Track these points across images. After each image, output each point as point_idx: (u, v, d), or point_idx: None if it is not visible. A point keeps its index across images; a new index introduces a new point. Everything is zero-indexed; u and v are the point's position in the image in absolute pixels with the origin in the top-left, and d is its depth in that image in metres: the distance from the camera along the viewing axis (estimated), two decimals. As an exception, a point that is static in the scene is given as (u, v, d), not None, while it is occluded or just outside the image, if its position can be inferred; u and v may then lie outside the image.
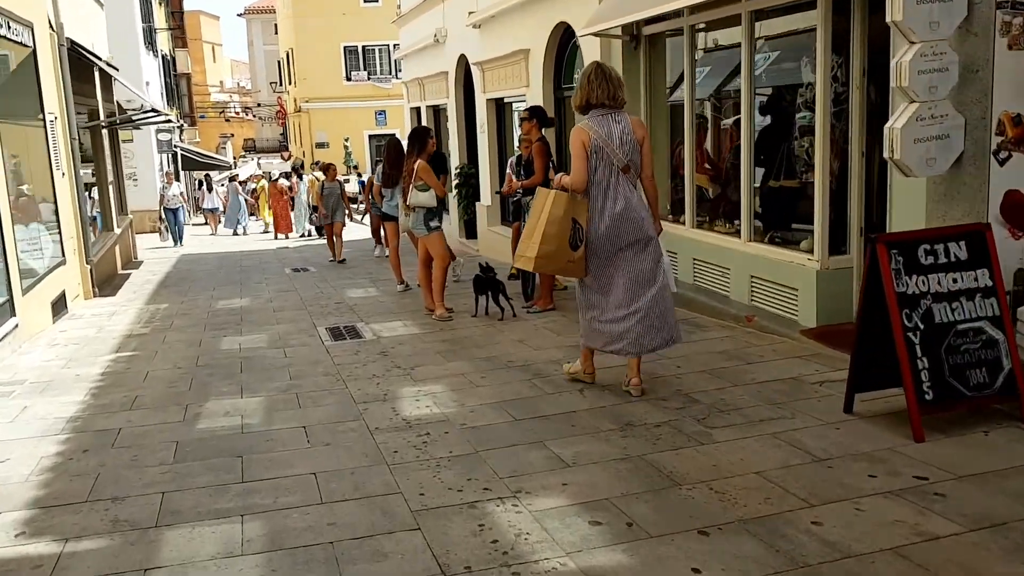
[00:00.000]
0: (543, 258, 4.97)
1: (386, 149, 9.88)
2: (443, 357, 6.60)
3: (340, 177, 23.14)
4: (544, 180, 7.91)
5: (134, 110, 17.80)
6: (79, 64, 12.45)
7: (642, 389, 5.13)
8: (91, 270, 11.25)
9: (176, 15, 35.01)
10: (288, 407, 5.47)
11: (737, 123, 7.58)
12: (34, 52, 9.76)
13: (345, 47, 41.38)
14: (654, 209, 5.13)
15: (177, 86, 36.64)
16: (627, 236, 4.88)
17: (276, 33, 50.90)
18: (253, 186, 26.15)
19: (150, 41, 27.39)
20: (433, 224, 8.20)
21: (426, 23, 16.16)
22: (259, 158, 49.18)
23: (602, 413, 4.89)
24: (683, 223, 8.07)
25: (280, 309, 9.52)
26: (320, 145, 41.51)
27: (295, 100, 43.91)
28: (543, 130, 8.07)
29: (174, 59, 35.93)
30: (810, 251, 6.35)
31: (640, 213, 4.92)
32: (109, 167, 14.79)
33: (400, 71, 40.70)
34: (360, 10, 40.46)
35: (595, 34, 8.34)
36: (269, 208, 25.97)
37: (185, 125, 38.65)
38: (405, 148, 9.07)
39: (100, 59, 14.11)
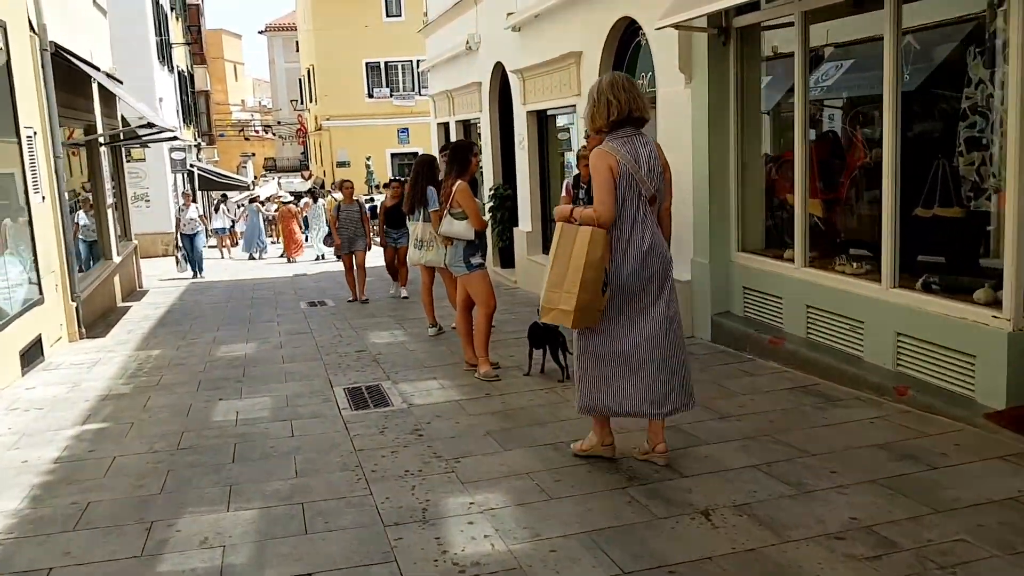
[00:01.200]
0: (583, 311, 4.09)
1: (415, 167, 8.32)
2: (496, 441, 5.01)
3: (361, 196, 21.76)
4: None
5: (143, 127, 16.35)
6: (72, 74, 11.07)
7: (667, 458, 4.36)
8: (77, 308, 9.79)
9: (193, 29, 33.88)
10: (290, 530, 3.90)
11: (863, 131, 6.01)
12: (8, 56, 8.34)
13: (367, 63, 40.25)
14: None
15: (195, 104, 35.56)
16: (653, 274, 4.20)
17: (297, 51, 49.97)
18: (274, 207, 24.58)
19: (165, 56, 26.24)
20: (475, 261, 6.65)
21: (457, 30, 14.71)
22: (279, 177, 48.09)
23: (755, 562, 3.28)
24: (789, 260, 6.46)
25: (291, 359, 7.98)
26: (341, 164, 40.27)
27: (316, 118, 42.80)
28: (614, 145, 6.51)
29: (192, 76, 34.87)
30: (993, 304, 4.72)
31: (665, 248, 4.30)
32: (108, 188, 13.38)
33: (425, 86, 39.57)
34: (382, 25, 39.34)
35: (675, 26, 6.80)
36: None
37: (203, 144, 37.61)
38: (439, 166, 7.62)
39: (99, 69, 12.74)
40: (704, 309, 7.25)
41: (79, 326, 9.80)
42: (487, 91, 13.55)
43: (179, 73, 29.61)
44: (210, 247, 27.16)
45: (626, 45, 8.79)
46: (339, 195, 13.36)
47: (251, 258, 23.23)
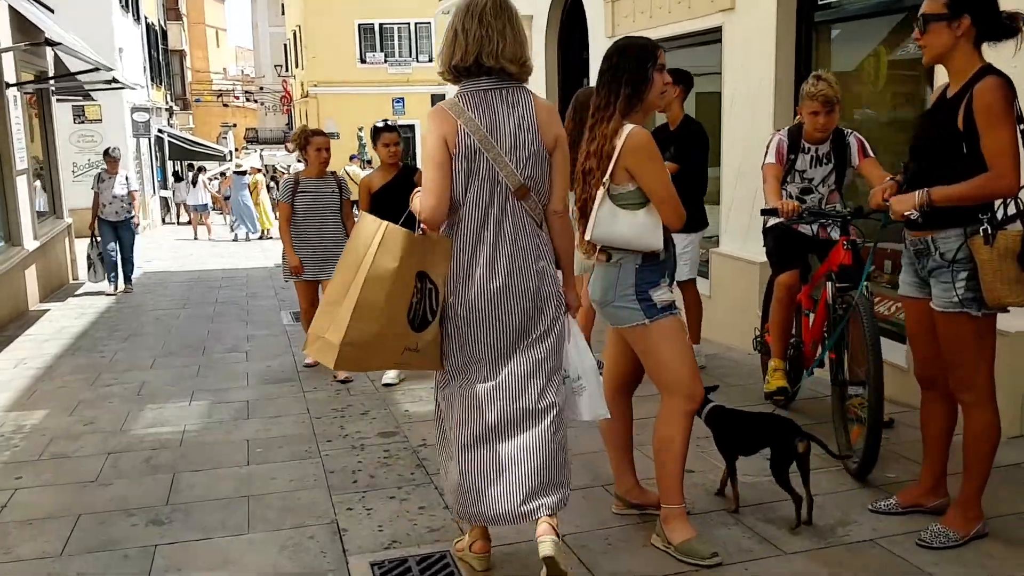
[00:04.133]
0: (354, 345, 2.58)
1: (572, 110, 4.63)
2: None
3: (349, 168, 17.12)
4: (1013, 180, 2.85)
5: (85, 71, 12.33)
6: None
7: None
8: (-73, 330, 6.18)
9: (164, -26, 29.91)
10: None
11: None
12: None
13: (360, 25, 36.40)
14: (566, 269, 2.92)
15: (168, 63, 31.68)
16: (518, 313, 2.73)
17: (283, 14, 46.00)
18: (248, 179, 20.70)
19: (129, 3, 22.40)
20: (660, 296, 3.06)
21: (497, -51, 11.08)
22: (262, 149, 44.10)
23: None
24: None
25: (263, 453, 4.41)
26: (329, 135, 36.46)
27: (302, 84, 38.92)
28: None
29: (164, 32, 30.95)
30: None
31: (542, 273, 2.76)
32: (17, 148, 9.64)
33: (423, 52, 35.83)
34: (378, -18, 35.52)
35: None
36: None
37: (176, 108, 33.75)
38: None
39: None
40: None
41: (-70, 359, 6.20)
42: (543, 28, 9.95)
43: (148, 25, 25.74)
44: (183, 224, 23.41)
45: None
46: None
47: (235, 240, 19.50)
